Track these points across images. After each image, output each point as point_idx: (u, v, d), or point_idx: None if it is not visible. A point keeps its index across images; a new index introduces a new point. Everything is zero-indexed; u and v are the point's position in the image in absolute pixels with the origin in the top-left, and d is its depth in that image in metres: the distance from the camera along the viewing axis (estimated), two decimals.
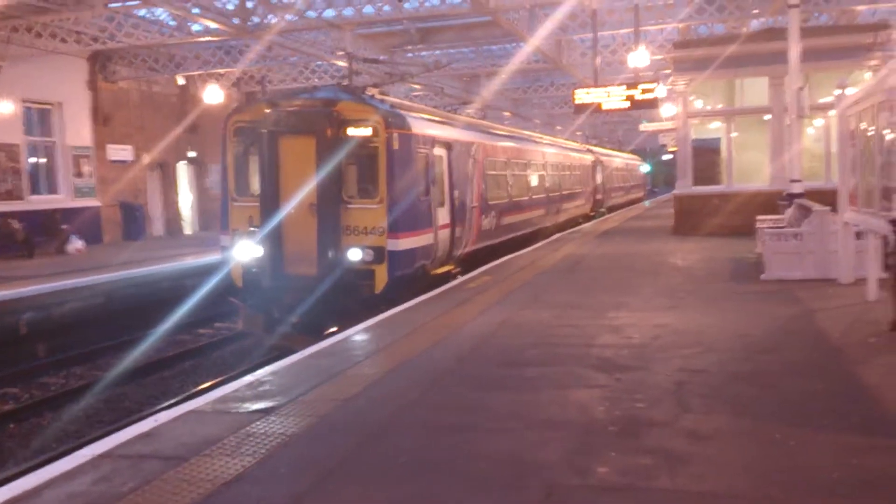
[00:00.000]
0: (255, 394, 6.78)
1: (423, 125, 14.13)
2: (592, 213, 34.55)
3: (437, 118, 16.27)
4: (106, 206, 25.34)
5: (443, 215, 14.45)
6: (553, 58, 26.05)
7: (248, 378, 7.41)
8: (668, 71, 23.66)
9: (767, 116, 20.41)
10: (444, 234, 14.47)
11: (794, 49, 15.41)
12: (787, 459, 4.80)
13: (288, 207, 12.23)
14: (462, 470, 4.80)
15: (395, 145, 12.37)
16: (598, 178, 36.86)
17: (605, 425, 5.53)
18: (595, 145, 46.84)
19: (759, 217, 16.03)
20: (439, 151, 14.59)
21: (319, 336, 9.85)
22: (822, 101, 18.79)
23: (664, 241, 19.45)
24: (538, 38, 22.89)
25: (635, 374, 6.88)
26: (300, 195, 12.15)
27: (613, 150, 53.29)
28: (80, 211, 23.95)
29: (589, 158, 35.14)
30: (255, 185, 12.76)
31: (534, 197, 23.12)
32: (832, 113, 15.52)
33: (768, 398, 6.08)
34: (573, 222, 29.40)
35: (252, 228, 12.47)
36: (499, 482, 4.60)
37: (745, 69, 20.12)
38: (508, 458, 4.96)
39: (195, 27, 21.62)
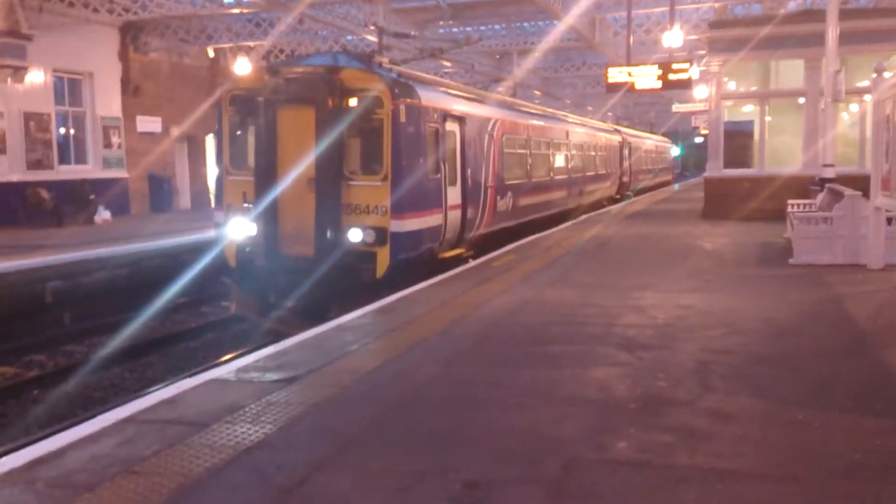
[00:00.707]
0: (277, 364, 6.82)
1: (434, 97, 13.24)
2: (618, 196, 33.46)
3: (450, 90, 15.33)
4: (134, 178, 25.58)
5: (454, 195, 13.54)
6: (586, 36, 25.86)
7: (271, 349, 7.46)
8: (702, 51, 23.40)
9: (802, 100, 20.10)
10: (455, 214, 13.58)
11: (832, 31, 15.17)
12: (810, 440, 4.76)
13: (285, 183, 11.49)
14: (482, 443, 4.81)
15: (402, 117, 11.54)
16: (626, 160, 35.67)
17: (625, 402, 5.51)
18: (626, 126, 46.45)
19: (790, 201, 15.84)
20: (451, 126, 13.67)
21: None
22: (858, 84, 18.50)
23: (693, 225, 19.29)
24: (572, 15, 22.76)
25: (658, 354, 6.84)
26: (298, 170, 11.41)
27: (643, 131, 52.02)
28: (109, 182, 24.20)
29: (616, 139, 33.92)
30: (252, 158, 12.01)
31: (555, 178, 22.05)
32: (868, 97, 15.28)
33: (792, 380, 6.03)
34: (597, 205, 28.35)
35: (246, 205, 11.75)
36: (518, 455, 4.60)
37: (781, 51, 19.79)
38: (528, 433, 4.97)
39: None
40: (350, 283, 11.23)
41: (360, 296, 10.43)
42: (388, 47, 24.56)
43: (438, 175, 12.79)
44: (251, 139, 11.99)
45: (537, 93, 41.40)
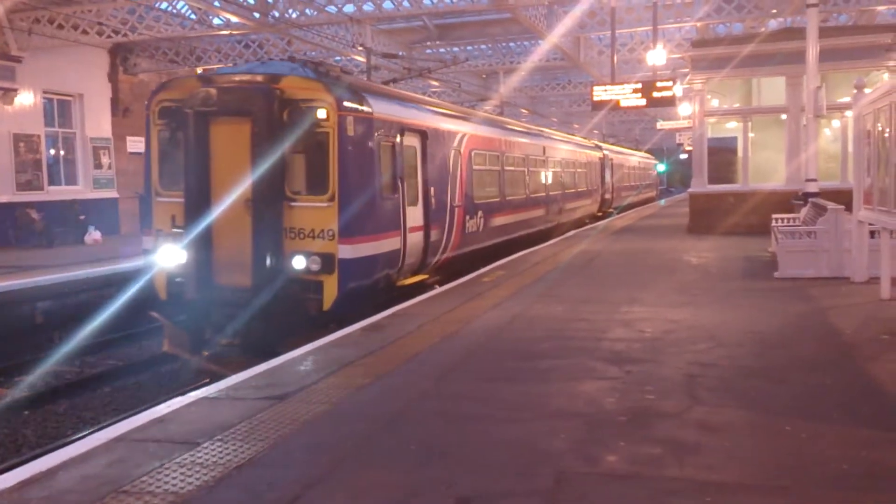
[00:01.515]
0: (268, 382, 6.84)
1: (390, 108, 12.07)
2: (600, 214, 32.68)
3: (410, 102, 14.04)
4: (124, 198, 25.54)
5: (415, 215, 12.44)
6: (571, 55, 26.07)
7: (262, 367, 7.46)
8: (685, 69, 23.63)
9: (784, 116, 20.35)
10: (416, 237, 12.45)
11: (812, 48, 15.40)
12: (797, 451, 4.82)
13: (219, 204, 10.27)
14: (473, 458, 4.84)
15: (350, 130, 10.50)
16: (608, 177, 34.84)
17: (614, 416, 5.56)
18: (612, 143, 46.61)
19: (775, 216, 15.99)
20: (411, 140, 12.61)
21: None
22: (839, 101, 18.73)
23: (679, 240, 19.42)
24: (556, 35, 22.96)
25: (646, 367, 6.89)
26: (234, 190, 10.19)
27: (626, 147, 51.49)
28: (99, 202, 24.18)
29: (597, 155, 33.01)
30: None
31: (531, 196, 20.90)
32: (849, 113, 15.47)
33: (779, 392, 6.09)
34: (578, 224, 27.48)
35: (176, 229, 10.49)
36: (510, 469, 4.64)
37: (763, 68, 20.07)
38: (519, 447, 5.00)
39: (216, 20, 21.74)
40: (294, 316, 10.16)
41: (308, 330, 9.60)
42: (377, 67, 24.70)
43: (395, 194, 11.72)
44: (183, 156, 10.70)
45: (524, 111, 41.64)
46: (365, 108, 11.02)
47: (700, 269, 13.70)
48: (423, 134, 13.07)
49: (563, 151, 25.89)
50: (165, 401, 6.73)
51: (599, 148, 34.80)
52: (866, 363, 6.94)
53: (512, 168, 19.05)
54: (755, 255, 15.30)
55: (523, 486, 4.39)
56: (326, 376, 6.95)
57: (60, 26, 21.53)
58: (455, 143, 14.78)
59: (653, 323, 8.89)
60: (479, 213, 16.03)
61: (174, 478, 4.62)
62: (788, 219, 15.58)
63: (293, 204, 10.41)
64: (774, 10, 20.75)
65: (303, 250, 10.27)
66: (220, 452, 5.03)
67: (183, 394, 6.83)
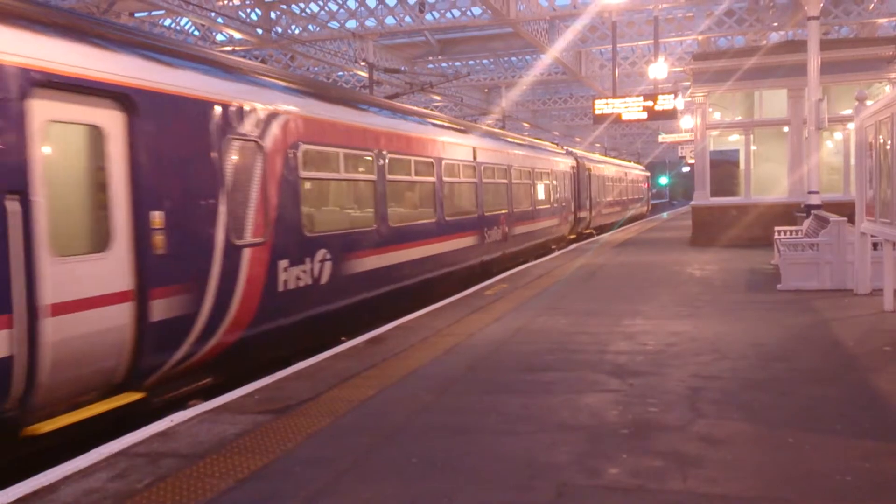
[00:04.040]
0: (271, 395, 6.83)
1: None
2: (572, 237, 27.12)
3: (82, 31, 6.58)
4: None
5: (92, 273, 6.36)
6: (573, 69, 26.22)
7: (266, 380, 7.46)
8: (687, 83, 23.73)
9: (786, 129, 20.41)
10: (91, 320, 6.31)
11: (814, 61, 15.46)
12: (801, 463, 4.80)
13: None
14: (474, 470, 4.84)
15: None
16: (583, 190, 28.82)
17: (617, 428, 5.55)
18: (615, 157, 46.49)
19: (777, 228, 16.01)
20: (80, 113, 6.34)
21: None
22: (841, 113, 18.80)
23: (681, 252, 19.41)
24: (558, 49, 23.11)
25: (649, 380, 6.88)
26: None
27: (609, 156, 46.12)
28: None
29: (568, 163, 26.50)
30: None
31: (451, 218, 14.68)
32: (851, 125, 15.53)
33: (782, 404, 6.07)
34: (539, 250, 21.92)
35: None
36: (510, 482, 4.63)
37: (765, 81, 20.16)
38: (520, 460, 4.99)
39: (219, 37, 21.91)
40: None
41: None
42: (379, 82, 24.83)
43: None
44: None
45: (526, 125, 41.78)
46: None
47: (703, 282, 13.69)
48: (125, 101, 6.76)
49: (511, 156, 19.59)
50: (169, 415, 6.67)
51: (571, 154, 28.10)
52: (869, 375, 6.92)
53: (405, 177, 12.91)
54: (758, 267, 15.30)
55: (524, 498, 4.39)
56: (330, 388, 6.95)
57: None
58: (248, 128, 8.40)
59: (655, 335, 8.89)
60: (323, 254, 9.82)
61: (177, 492, 4.63)
62: (791, 231, 15.60)
63: None
64: (776, 24, 20.90)
65: None
66: (224, 466, 5.03)
67: (186, 407, 6.77)
